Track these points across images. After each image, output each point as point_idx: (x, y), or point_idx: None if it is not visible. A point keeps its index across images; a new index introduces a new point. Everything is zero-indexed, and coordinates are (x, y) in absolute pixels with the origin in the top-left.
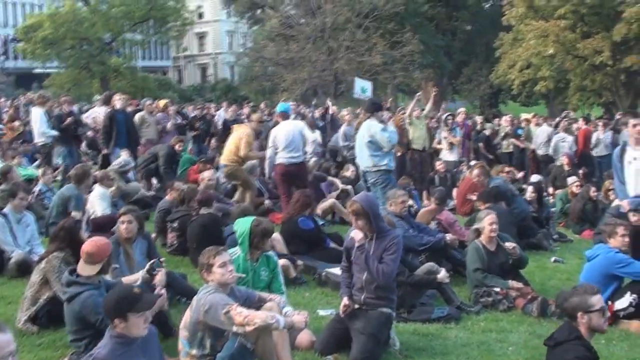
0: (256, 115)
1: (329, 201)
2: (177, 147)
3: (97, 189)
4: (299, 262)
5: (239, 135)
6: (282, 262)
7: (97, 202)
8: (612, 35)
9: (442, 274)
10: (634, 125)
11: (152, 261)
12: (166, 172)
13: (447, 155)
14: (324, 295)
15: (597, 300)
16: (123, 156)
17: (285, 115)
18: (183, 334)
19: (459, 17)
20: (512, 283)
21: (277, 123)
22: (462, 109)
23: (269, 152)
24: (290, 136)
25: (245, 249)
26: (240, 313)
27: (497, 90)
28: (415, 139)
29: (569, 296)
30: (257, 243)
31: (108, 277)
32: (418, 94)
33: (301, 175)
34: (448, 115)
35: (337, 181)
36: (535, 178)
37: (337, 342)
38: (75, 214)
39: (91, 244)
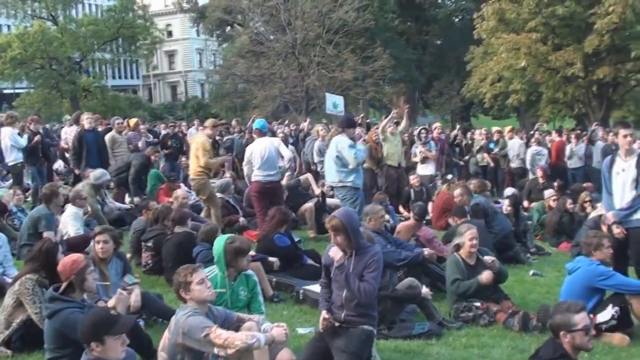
0: (209, 121)
1: (307, 206)
2: (152, 157)
3: (69, 208)
4: (272, 259)
5: (196, 145)
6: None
7: (70, 222)
8: (584, 47)
9: (425, 290)
10: (625, 136)
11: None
12: (134, 182)
13: (422, 170)
14: (302, 313)
15: (580, 319)
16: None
17: (261, 132)
18: (162, 356)
19: (429, 31)
20: (484, 276)
21: (251, 139)
22: (437, 124)
23: (245, 169)
24: (266, 153)
25: (223, 268)
26: (220, 336)
27: (468, 103)
28: (390, 155)
29: (552, 313)
30: (231, 261)
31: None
32: (394, 112)
33: (277, 192)
34: (422, 129)
35: (310, 178)
36: (509, 191)
37: None
38: (47, 234)
39: (60, 262)
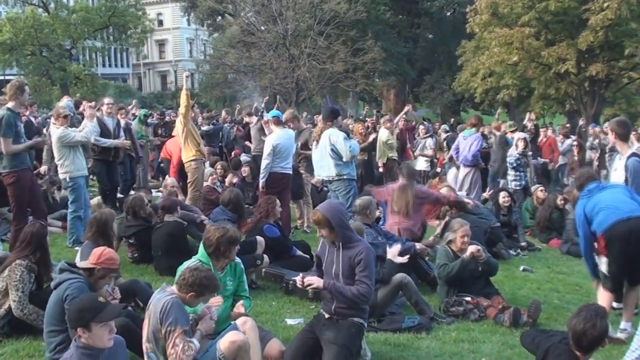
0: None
1: None
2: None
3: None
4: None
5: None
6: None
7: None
8: (578, 43)
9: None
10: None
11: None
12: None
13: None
14: (291, 304)
15: None
16: None
17: (278, 121)
18: (147, 346)
19: (421, 24)
20: (469, 250)
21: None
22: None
23: (265, 161)
24: (289, 144)
25: (207, 260)
26: (175, 343)
27: (459, 98)
28: (391, 148)
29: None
30: (224, 252)
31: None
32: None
33: (288, 184)
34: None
35: None
36: (500, 184)
37: (308, 352)
38: None
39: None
